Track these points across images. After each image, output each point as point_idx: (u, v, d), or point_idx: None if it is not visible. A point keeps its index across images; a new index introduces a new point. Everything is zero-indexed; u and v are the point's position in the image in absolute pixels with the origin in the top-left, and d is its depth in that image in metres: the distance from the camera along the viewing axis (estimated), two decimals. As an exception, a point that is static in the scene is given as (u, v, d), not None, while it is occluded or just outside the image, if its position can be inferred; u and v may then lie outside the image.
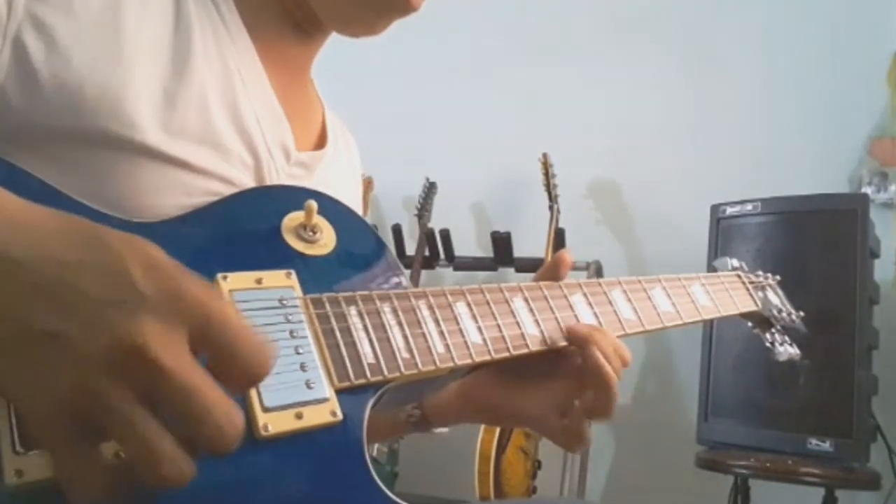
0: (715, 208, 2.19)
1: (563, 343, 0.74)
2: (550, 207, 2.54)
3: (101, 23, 0.60)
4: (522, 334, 0.71)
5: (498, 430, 2.27)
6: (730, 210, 2.15)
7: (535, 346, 0.71)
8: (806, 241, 2.01)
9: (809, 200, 2.07)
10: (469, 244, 2.83)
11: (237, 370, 0.43)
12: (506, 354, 0.69)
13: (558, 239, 2.51)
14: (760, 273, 1.10)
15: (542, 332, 0.73)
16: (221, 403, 0.42)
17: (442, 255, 2.69)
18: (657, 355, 2.62)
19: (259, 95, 0.71)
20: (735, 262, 1.09)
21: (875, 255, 2.04)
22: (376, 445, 2.32)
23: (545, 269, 0.80)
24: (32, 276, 0.40)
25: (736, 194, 2.17)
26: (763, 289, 1.07)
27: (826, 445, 1.85)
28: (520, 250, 2.58)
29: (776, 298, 1.09)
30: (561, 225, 2.53)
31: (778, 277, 1.12)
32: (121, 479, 0.43)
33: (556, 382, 0.76)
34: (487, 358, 0.68)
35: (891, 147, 2.39)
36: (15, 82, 0.56)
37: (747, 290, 1.03)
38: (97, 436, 0.41)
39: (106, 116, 0.58)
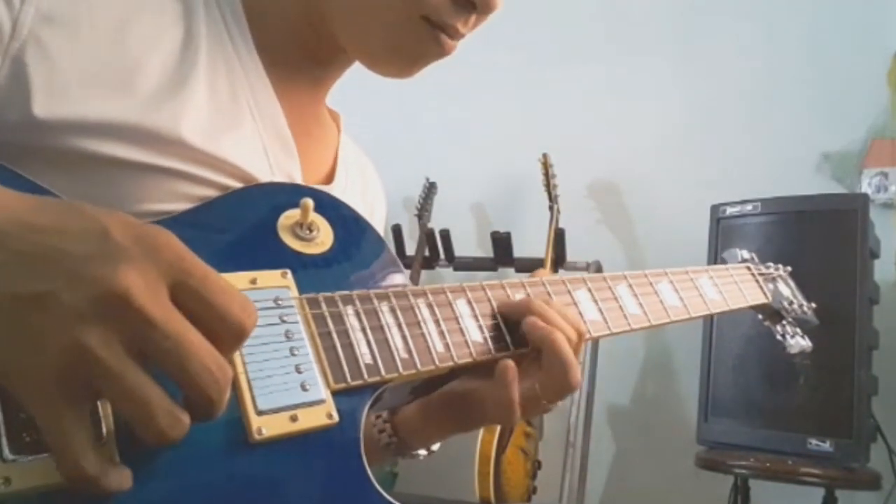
0: (715, 208, 2.18)
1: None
2: (550, 207, 2.53)
3: (107, 50, 0.59)
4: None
5: (498, 430, 2.27)
6: (730, 210, 2.15)
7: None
8: (806, 241, 2.01)
9: (809, 200, 2.07)
10: (469, 244, 2.82)
11: (221, 324, 0.43)
12: (508, 353, 0.68)
13: (558, 239, 2.51)
14: (771, 264, 1.08)
15: None
16: (207, 349, 0.42)
17: (442, 256, 2.69)
18: (657, 355, 2.62)
19: (270, 127, 0.70)
20: (745, 254, 1.07)
21: (875, 255, 2.04)
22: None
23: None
24: (16, 244, 0.41)
25: (736, 194, 2.17)
26: (774, 280, 1.05)
27: (826, 445, 1.85)
28: (520, 250, 2.57)
29: (787, 290, 1.07)
30: (561, 225, 2.53)
31: (789, 268, 1.10)
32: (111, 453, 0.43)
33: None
34: (489, 356, 0.67)
35: (891, 147, 2.38)
36: (10, 101, 0.56)
37: (757, 282, 1.01)
38: (89, 403, 0.42)
39: (103, 141, 0.57)
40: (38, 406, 0.40)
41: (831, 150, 2.45)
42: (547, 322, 0.68)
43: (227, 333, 0.44)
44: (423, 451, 0.81)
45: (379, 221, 0.90)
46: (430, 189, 2.79)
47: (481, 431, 2.29)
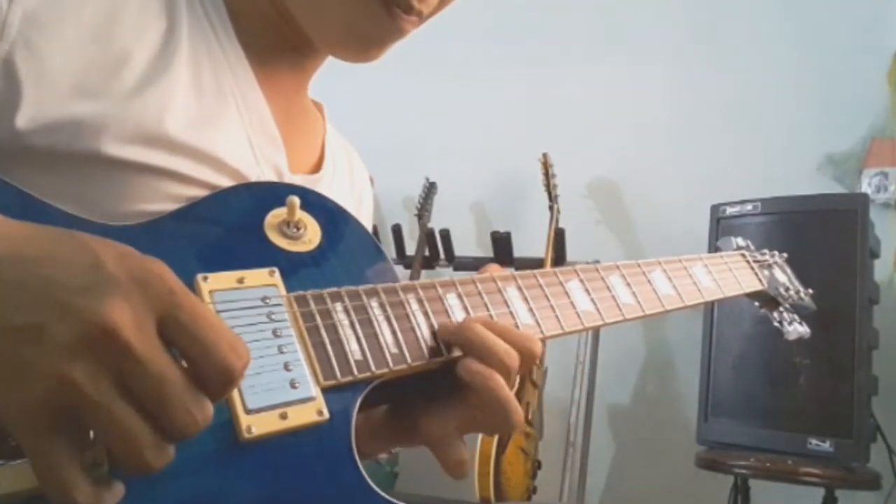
0: (715, 208, 2.18)
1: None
2: (550, 207, 2.53)
3: (94, 48, 0.60)
4: (516, 324, 0.69)
5: (498, 430, 2.26)
6: (730, 210, 2.15)
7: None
8: (806, 241, 2.00)
9: (809, 200, 2.06)
10: (469, 244, 2.82)
11: (207, 362, 0.43)
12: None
13: (558, 239, 2.51)
14: (766, 251, 1.07)
15: (536, 321, 0.70)
16: (188, 390, 0.42)
17: (442, 255, 2.69)
18: (657, 355, 2.62)
19: (255, 117, 0.70)
20: (740, 241, 1.06)
21: (875, 255, 2.03)
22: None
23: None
24: (9, 275, 0.40)
25: (736, 194, 2.16)
26: (769, 267, 1.05)
27: (826, 445, 1.85)
28: (520, 250, 2.57)
29: (783, 276, 1.06)
30: (561, 225, 2.53)
31: (785, 255, 1.10)
32: (101, 479, 0.42)
33: (459, 400, 0.65)
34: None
35: (891, 147, 2.38)
36: (2, 103, 0.56)
37: (752, 269, 1.01)
38: (77, 433, 0.41)
39: (91, 138, 0.58)
40: (25, 438, 0.40)
41: (831, 150, 2.45)
42: (486, 356, 0.61)
43: (213, 373, 0.43)
44: (383, 455, 0.79)
45: (367, 210, 0.90)
46: (430, 189, 2.79)
47: (481, 431, 2.28)
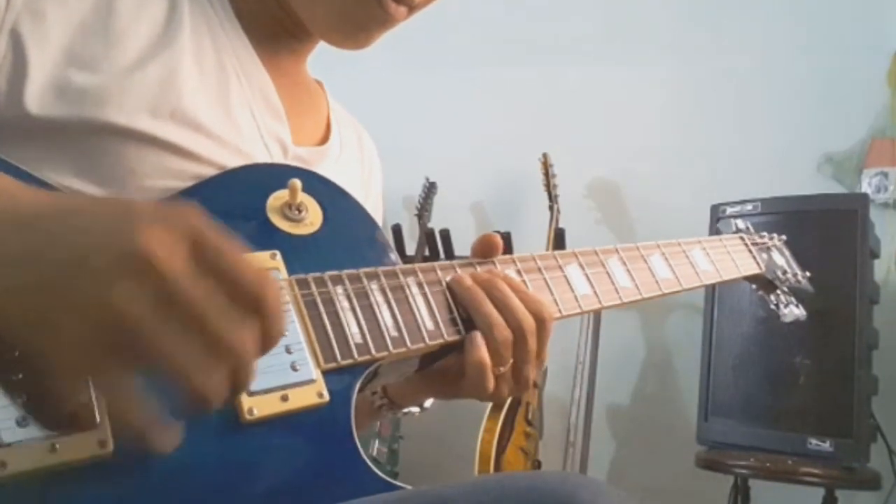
0: (715, 208, 2.18)
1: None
2: (550, 207, 2.53)
3: (95, 19, 0.61)
4: None
5: (498, 430, 2.26)
6: (730, 210, 2.14)
7: None
8: (806, 241, 1.99)
9: (809, 200, 2.06)
10: (469, 244, 2.80)
11: (241, 287, 0.43)
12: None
13: (558, 239, 2.51)
14: (765, 234, 1.07)
15: None
16: (229, 305, 0.42)
17: (442, 255, 2.68)
18: (657, 355, 2.62)
19: (257, 91, 0.71)
20: (740, 223, 1.07)
21: (875, 255, 2.04)
22: (376, 445, 2.32)
23: (474, 252, 0.75)
24: (49, 224, 0.43)
25: (736, 194, 2.16)
26: (768, 250, 1.05)
27: (826, 445, 1.85)
28: (520, 250, 2.55)
29: (782, 259, 1.06)
30: (561, 225, 2.53)
31: (784, 237, 1.09)
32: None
33: None
34: None
35: (891, 147, 2.38)
36: (8, 73, 0.57)
37: (750, 252, 1.01)
38: (128, 360, 0.42)
39: (95, 108, 0.59)
40: (84, 368, 0.42)
41: (831, 150, 2.45)
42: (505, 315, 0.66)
43: (244, 298, 0.43)
44: (415, 409, 0.80)
45: (376, 185, 0.91)
46: (430, 189, 2.79)
47: (481, 431, 2.28)
